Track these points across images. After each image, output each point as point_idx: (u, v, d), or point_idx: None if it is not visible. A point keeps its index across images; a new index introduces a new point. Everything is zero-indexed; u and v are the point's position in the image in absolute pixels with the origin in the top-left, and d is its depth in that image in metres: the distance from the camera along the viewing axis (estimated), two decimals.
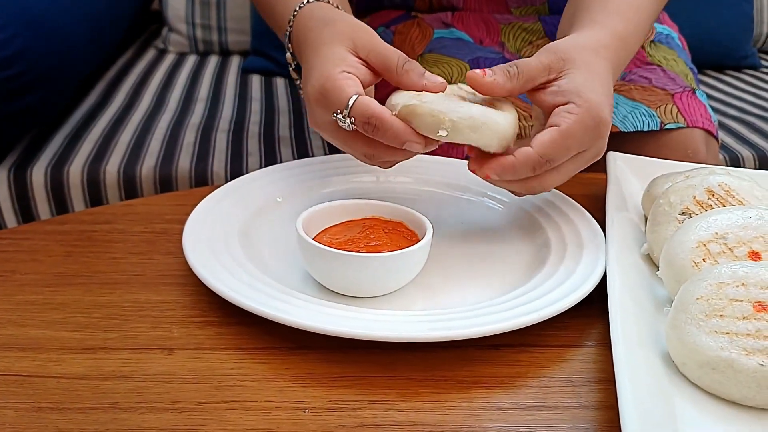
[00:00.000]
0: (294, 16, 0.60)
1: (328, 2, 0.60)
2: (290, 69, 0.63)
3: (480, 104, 0.51)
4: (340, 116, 0.50)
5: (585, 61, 0.53)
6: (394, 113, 0.49)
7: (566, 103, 0.51)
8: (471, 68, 0.85)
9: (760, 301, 0.40)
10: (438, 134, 0.48)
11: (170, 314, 0.48)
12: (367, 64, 0.53)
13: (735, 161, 1.08)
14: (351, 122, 0.50)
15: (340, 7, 0.60)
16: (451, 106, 0.49)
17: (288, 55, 0.62)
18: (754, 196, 0.51)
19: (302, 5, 0.60)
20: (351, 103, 0.49)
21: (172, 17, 1.52)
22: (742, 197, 0.51)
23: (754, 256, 0.45)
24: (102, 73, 1.37)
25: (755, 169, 1.07)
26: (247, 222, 0.57)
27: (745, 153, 1.09)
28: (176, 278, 0.52)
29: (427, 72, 0.51)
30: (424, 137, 0.49)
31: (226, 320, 0.47)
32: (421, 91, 0.51)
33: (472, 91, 0.53)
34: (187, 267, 0.50)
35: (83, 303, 0.49)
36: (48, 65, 0.99)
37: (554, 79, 0.52)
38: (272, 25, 0.68)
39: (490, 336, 0.43)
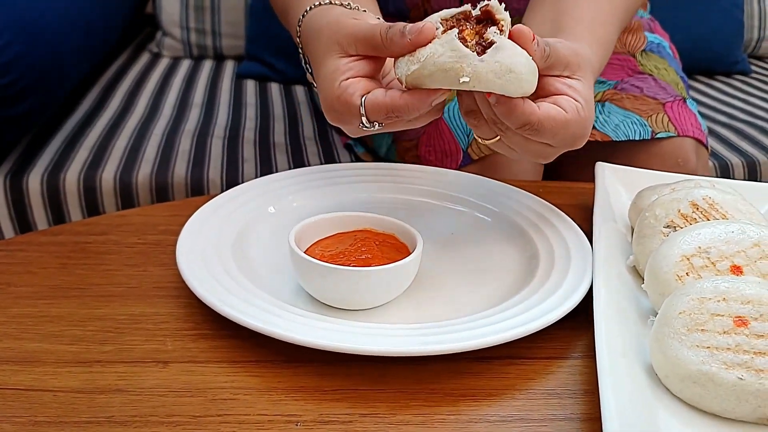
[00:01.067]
0: (299, 36, 0.61)
1: (320, 3, 0.59)
2: (315, 88, 0.62)
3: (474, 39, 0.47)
4: (365, 126, 0.50)
5: (589, 78, 0.54)
6: (403, 85, 0.48)
7: (576, 100, 0.51)
8: None
9: (740, 316, 0.41)
10: (461, 83, 0.45)
11: (164, 327, 0.49)
12: (362, 56, 0.52)
13: (724, 168, 1.09)
14: (377, 125, 0.50)
15: (335, 1, 0.59)
16: (457, 53, 0.45)
17: (308, 75, 0.62)
18: (737, 210, 0.53)
19: (301, 20, 0.59)
20: (363, 110, 0.49)
21: (166, 21, 1.52)
22: (726, 211, 0.52)
23: (736, 270, 0.46)
24: (96, 77, 1.37)
25: (744, 176, 1.09)
26: (241, 233, 0.58)
27: (735, 160, 1.11)
28: (170, 290, 0.53)
29: (408, 26, 0.48)
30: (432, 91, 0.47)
31: (219, 333, 0.48)
32: (414, 50, 0.47)
33: (451, 14, 0.48)
34: (180, 279, 0.50)
35: (78, 316, 0.50)
36: (43, 71, 1.00)
37: (566, 76, 0.52)
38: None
39: (479, 348, 0.44)
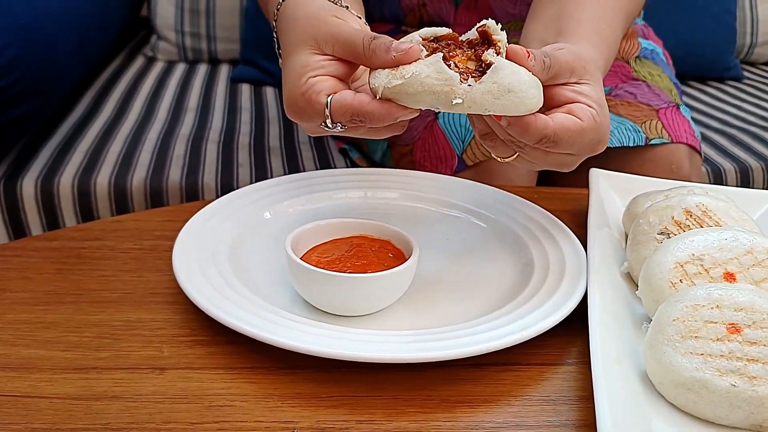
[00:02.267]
0: (275, 21, 0.58)
1: None
2: None
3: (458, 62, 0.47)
4: (327, 126, 0.49)
5: (598, 81, 0.53)
6: (378, 96, 0.47)
7: (590, 106, 0.50)
8: None
9: (733, 323, 0.41)
10: (453, 104, 0.44)
11: (161, 333, 0.49)
12: (336, 57, 0.50)
13: (717, 174, 1.10)
14: (340, 126, 0.49)
15: None
16: (443, 75, 0.44)
17: (280, 62, 0.59)
18: (730, 217, 0.53)
19: (280, 3, 0.57)
20: (328, 110, 0.48)
21: (160, 25, 1.52)
22: (719, 218, 0.53)
23: (729, 277, 0.46)
24: (91, 80, 1.37)
25: (737, 182, 1.10)
26: (236, 239, 0.58)
27: (727, 166, 1.11)
28: (166, 296, 0.53)
29: (394, 42, 0.47)
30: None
31: (215, 339, 0.48)
32: (397, 66, 0.46)
33: (434, 35, 0.48)
34: (176, 285, 0.50)
35: (74, 322, 0.50)
36: (39, 74, 1.00)
37: (574, 83, 0.51)
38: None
39: (475, 355, 0.45)
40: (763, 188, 1.11)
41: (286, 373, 0.45)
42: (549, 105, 0.50)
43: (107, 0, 1.41)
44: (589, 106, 0.50)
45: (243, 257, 0.56)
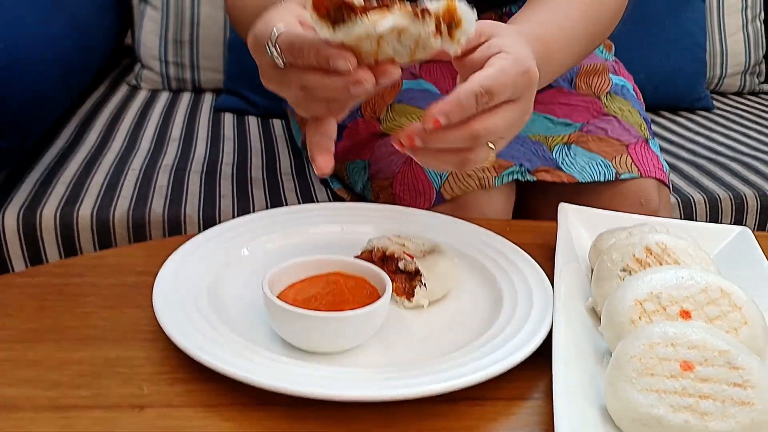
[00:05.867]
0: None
1: None
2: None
3: None
4: (268, 49, 0.49)
5: (511, 33, 0.56)
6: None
7: (494, 54, 0.53)
8: None
9: (686, 361, 0.43)
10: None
11: (140, 371, 0.50)
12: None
13: (687, 205, 1.13)
14: (278, 52, 0.49)
15: None
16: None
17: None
18: (688, 255, 0.56)
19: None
20: (276, 33, 0.49)
21: (144, 54, 1.54)
22: (677, 256, 0.55)
23: (685, 314, 0.49)
24: (75, 109, 1.38)
25: (706, 212, 1.13)
26: (215, 277, 0.59)
27: (697, 197, 1.15)
28: (146, 333, 0.54)
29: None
30: (353, 55, 0.47)
31: (194, 376, 0.49)
32: None
33: None
34: (157, 322, 0.52)
35: (55, 360, 0.51)
36: (21, 109, 1.01)
37: (483, 42, 0.54)
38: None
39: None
40: (731, 219, 1.15)
41: (262, 410, 0.46)
42: (465, 74, 0.53)
43: (91, 30, 1.43)
44: (494, 54, 0.53)
45: (222, 295, 0.57)
